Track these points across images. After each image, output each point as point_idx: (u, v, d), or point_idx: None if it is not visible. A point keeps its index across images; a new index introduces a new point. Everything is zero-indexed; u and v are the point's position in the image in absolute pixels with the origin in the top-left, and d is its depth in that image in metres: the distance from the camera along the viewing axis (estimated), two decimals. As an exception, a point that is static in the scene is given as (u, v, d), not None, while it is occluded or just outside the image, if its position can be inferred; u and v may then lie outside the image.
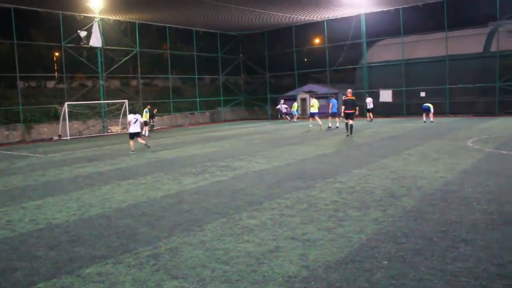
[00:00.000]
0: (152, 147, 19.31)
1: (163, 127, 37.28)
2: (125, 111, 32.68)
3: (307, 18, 36.68)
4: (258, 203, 8.05)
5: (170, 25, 37.68)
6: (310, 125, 25.46)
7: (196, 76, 41.12)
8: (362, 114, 30.55)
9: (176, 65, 41.03)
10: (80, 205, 8.84)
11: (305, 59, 44.06)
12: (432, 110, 26.39)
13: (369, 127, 24.99)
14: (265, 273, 4.83)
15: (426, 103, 27.22)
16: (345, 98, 20.63)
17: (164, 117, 38.69)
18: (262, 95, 44.01)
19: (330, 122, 25.72)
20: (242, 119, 43.77)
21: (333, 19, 37.25)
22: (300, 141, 19.13)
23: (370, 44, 37.52)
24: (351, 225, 6.45)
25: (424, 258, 5.04)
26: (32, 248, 6.21)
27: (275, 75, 44.55)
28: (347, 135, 19.91)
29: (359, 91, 34.94)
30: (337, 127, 24.90)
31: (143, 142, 18.33)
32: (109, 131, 33.34)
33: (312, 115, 25.65)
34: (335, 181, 9.72)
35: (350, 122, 20.08)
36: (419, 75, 33.89)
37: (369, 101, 31.19)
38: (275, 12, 33.47)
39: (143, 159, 15.72)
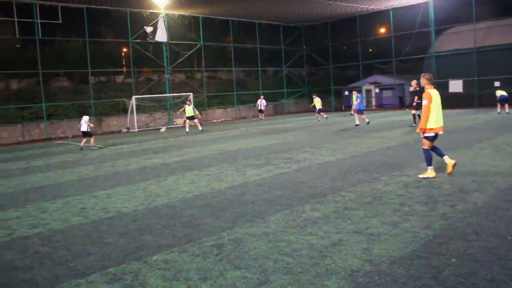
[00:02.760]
0: (216, 139, 19.66)
1: (227, 119, 37.81)
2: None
3: (372, 7, 35.76)
4: (322, 196, 8.00)
5: (233, 19, 38.05)
6: (357, 121, 22.94)
7: (260, 69, 41.32)
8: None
9: (240, 58, 41.43)
10: (147, 195, 9.17)
11: (370, 50, 43.10)
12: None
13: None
14: (328, 266, 4.80)
15: (502, 92, 25.46)
16: (413, 89, 20.01)
17: (228, 109, 39.24)
18: (325, 86, 43.50)
19: (357, 119, 23.06)
20: (305, 111, 43.48)
21: (399, 7, 36.03)
22: (364, 133, 18.75)
23: (439, 32, 36.04)
24: (417, 220, 6.25)
25: (497, 258, 4.79)
26: (104, 235, 6.53)
27: (338, 66, 43.87)
28: (413, 126, 19.36)
29: (427, 81, 33.63)
30: (367, 123, 22.84)
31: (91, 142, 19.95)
32: (174, 123, 34.25)
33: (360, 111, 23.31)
34: (401, 175, 9.46)
35: (418, 113, 19.48)
36: (492, 64, 32.07)
37: None
38: (339, 2, 32.89)
39: (207, 151, 16.03)
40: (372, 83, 39.74)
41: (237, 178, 10.32)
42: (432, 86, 8.97)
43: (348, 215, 6.69)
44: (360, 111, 23.04)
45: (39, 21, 29.10)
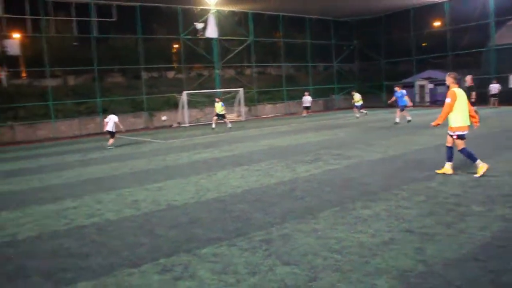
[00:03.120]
0: (266, 135, 19.70)
1: (276, 115, 37.79)
2: (239, 99, 33.76)
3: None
4: (373, 193, 7.85)
5: (283, 14, 37.90)
6: (397, 119, 21.89)
7: (310, 64, 41.02)
8: (484, 102, 27.86)
9: (289, 53, 41.24)
10: (198, 188, 9.30)
11: (424, 44, 41.75)
12: None
13: (495, 116, 23.06)
14: (378, 265, 4.71)
15: None
16: (469, 85, 19.22)
17: (277, 105, 39.21)
18: (377, 82, 42.61)
19: (398, 117, 21.98)
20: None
21: (455, -1, 34.72)
22: (417, 130, 18.24)
23: (499, 24, 34.35)
24: (473, 220, 6.02)
25: (562, 262, 4.54)
26: (155, 227, 6.68)
27: (391, 61, 42.80)
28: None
29: (484, 76, 32.32)
30: (408, 121, 21.94)
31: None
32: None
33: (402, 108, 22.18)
34: (456, 173, 9.12)
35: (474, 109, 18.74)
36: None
37: (494, 87, 28.73)
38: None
39: (257, 147, 16.08)
40: (425, 79, 38.50)
41: (287, 174, 10.30)
42: (457, 85, 8.94)
43: (400, 214, 6.53)
44: (402, 108, 22.09)
45: (95, 19, 30.12)
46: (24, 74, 35.22)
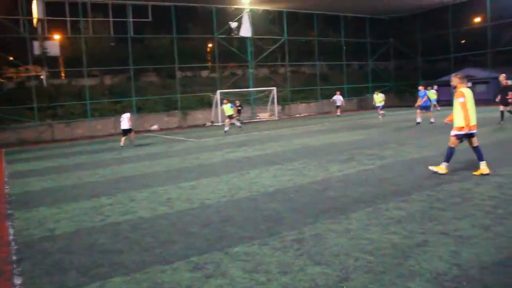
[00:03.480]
0: (300, 134, 19.63)
1: (309, 114, 37.62)
2: (273, 98, 33.76)
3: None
4: (406, 194, 7.71)
5: (317, 12, 37.67)
6: (419, 119, 21.10)
7: (344, 63, 40.63)
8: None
9: (324, 51, 40.95)
10: (230, 187, 9.35)
11: (462, 41, 40.68)
12: None
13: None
14: (412, 268, 4.62)
15: None
16: (505, 85, 18.64)
17: (311, 104, 39.02)
18: (413, 81, 41.77)
19: (419, 117, 21.17)
20: (391, 106, 42.11)
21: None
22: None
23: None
24: (512, 223, 5.84)
25: None
26: (188, 225, 6.75)
27: (428, 59, 41.89)
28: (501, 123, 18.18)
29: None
30: (430, 122, 21.09)
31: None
32: (258, 117, 34.63)
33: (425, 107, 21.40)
34: (494, 174, 8.85)
35: (508, 108, 18.26)
36: None
37: None
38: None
39: (290, 146, 16.04)
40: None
41: (320, 173, 10.23)
42: (465, 85, 9.01)
43: (434, 215, 6.39)
44: (425, 108, 21.41)
45: (131, 20, 30.69)
46: (63, 74, 36.26)
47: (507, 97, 18.14)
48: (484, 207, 6.66)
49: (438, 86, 37.74)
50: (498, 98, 18.78)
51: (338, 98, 32.92)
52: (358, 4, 34.54)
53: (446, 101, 38.46)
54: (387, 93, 42.70)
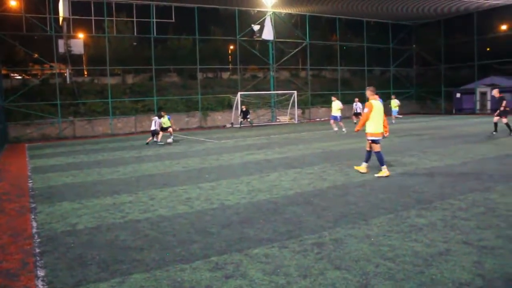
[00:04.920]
0: (320, 138, 19.54)
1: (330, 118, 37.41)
2: (293, 101, 33.70)
3: (494, 2, 33.02)
4: (428, 202, 7.62)
5: (340, 16, 37.51)
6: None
7: (366, 68, 40.33)
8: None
9: (345, 56, 40.73)
10: (250, 189, 9.36)
11: (488, 49, 40.06)
12: None
13: None
14: (433, 276, 4.56)
15: None
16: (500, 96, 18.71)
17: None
18: (435, 88, 41.31)
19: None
20: (412, 113, 41.71)
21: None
22: (478, 139, 17.53)
23: None
24: (538, 235, 5.72)
25: None
26: (207, 225, 6.77)
27: (451, 66, 41.32)
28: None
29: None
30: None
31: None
32: (278, 120, 34.60)
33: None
34: (518, 185, 8.71)
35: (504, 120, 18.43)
36: None
37: None
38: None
39: (310, 150, 15.99)
40: (488, 85, 36.80)
41: (340, 178, 10.18)
42: (376, 97, 10.50)
43: (457, 225, 6.30)
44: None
45: (154, 20, 30.98)
46: (86, 72, 36.77)
47: (501, 107, 18.27)
48: (509, 218, 6.54)
49: (461, 94, 37.27)
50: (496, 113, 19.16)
51: (358, 106, 30.73)
52: (381, 9, 34.27)
53: (469, 109, 38.06)
54: (409, 99, 42.39)
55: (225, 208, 7.78)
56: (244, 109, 30.40)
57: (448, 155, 13.21)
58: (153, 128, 20.60)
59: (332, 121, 23.17)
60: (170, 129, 21.61)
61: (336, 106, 22.58)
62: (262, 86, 35.85)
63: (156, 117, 20.90)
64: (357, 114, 31.61)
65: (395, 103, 27.76)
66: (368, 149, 10.65)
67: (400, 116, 28.48)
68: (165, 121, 21.59)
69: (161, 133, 20.68)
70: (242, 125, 30.70)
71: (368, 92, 10.63)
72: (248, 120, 30.58)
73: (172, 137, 21.63)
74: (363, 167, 10.88)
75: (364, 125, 10.40)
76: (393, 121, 27.64)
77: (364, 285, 4.41)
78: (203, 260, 5.28)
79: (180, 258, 5.36)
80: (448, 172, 10.51)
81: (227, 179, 10.72)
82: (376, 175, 10.31)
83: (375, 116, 10.23)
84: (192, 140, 22.10)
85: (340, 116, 22.69)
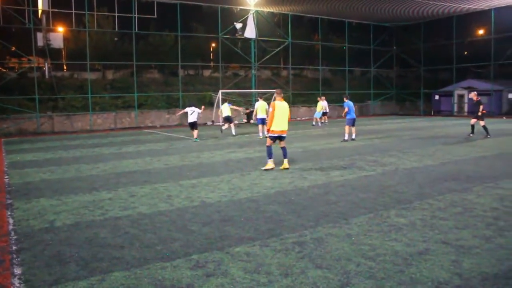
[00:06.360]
0: (300, 137, 19.60)
1: (311, 117, 37.59)
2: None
3: (471, 7, 33.64)
4: (408, 202, 7.71)
5: (323, 17, 37.71)
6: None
7: (347, 68, 40.62)
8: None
9: (327, 56, 40.95)
10: (231, 187, 9.34)
11: (465, 52, 40.76)
12: None
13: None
14: (413, 275, 4.62)
15: None
16: (475, 100, 19.11)
17: (312, 108, 38.98)
18: (414, 89, 41.85)
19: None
20: (391, 113, 42.21)
21: (503, 7, 33.53)
22: (456, 141, 17.83)
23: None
24: (514, 235, 5.83)
25: None
26: (188, 223, 6.74)
27: (430, 69, 41.95)
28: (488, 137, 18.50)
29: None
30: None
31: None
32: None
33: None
34: (496, 187, 8.87)
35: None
36: None
37: None
38: (438, 2, 31.33)
39: (291, 149, 16.00)
40: (465, 88, 37.47)
41: (321, 177, 10.23)
42: (282, 99, 11.38)
43: (435, 224, 6.39)
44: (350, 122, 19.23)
45: (136, 15, 30.67)
46: (65, 67, 36.21)
47: (479, 111, 18.66)
48: (486, 218, 6.66)
49: (440, 96, 37.82)
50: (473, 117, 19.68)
51: (324, 104, 29.43)
52: (363, 10, 34.56)
53: (447, 111, 38.69)
54: (388, 100, 42.88)
55: (206, 206, 7.74)
56: (247, 111, 29.50)
57: (427, 156, 13.39)
58: (193, 119, 19.40)
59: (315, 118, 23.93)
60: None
61: (320, 106, 23.36)
62: (243, 85, 35.80)
63: (193, 107, 19.58)
64: (324, 113, 30.42)
65: (320, 105, 27.81)
66: (268, 144, 11.51)
67: (324, 121, 28.63)
68: (227, 108, 22.01)
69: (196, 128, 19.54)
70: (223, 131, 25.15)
71: (275, 94, 11.69)
72: (237, 123, 28.49)
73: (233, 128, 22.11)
74: (285, 164, 11.63)
75: (272, 123, 11.19)
76: (313, 123, 27.82)
77: (345, 284, 4.43)
78: (184, 258, 5.25)
79: (161, 256, 5.32)
80: (427, 172, 10.65)
81: (208, 177, 10.68)
82: (262, 168, 11.52)
83: (278, 115, 11.12)
84: (172, 137, 21.94)
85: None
